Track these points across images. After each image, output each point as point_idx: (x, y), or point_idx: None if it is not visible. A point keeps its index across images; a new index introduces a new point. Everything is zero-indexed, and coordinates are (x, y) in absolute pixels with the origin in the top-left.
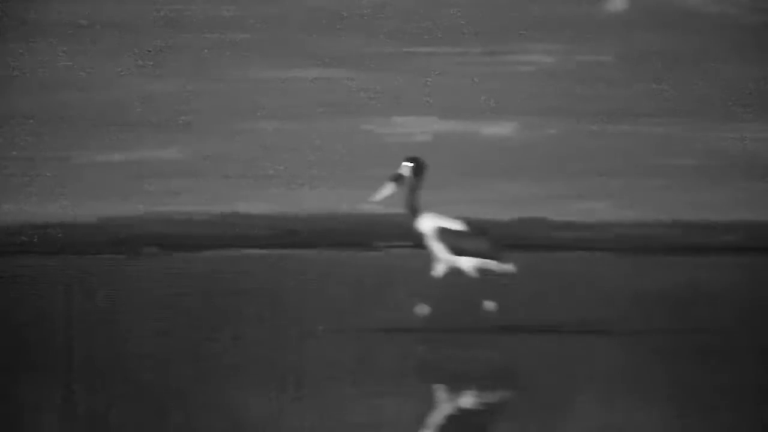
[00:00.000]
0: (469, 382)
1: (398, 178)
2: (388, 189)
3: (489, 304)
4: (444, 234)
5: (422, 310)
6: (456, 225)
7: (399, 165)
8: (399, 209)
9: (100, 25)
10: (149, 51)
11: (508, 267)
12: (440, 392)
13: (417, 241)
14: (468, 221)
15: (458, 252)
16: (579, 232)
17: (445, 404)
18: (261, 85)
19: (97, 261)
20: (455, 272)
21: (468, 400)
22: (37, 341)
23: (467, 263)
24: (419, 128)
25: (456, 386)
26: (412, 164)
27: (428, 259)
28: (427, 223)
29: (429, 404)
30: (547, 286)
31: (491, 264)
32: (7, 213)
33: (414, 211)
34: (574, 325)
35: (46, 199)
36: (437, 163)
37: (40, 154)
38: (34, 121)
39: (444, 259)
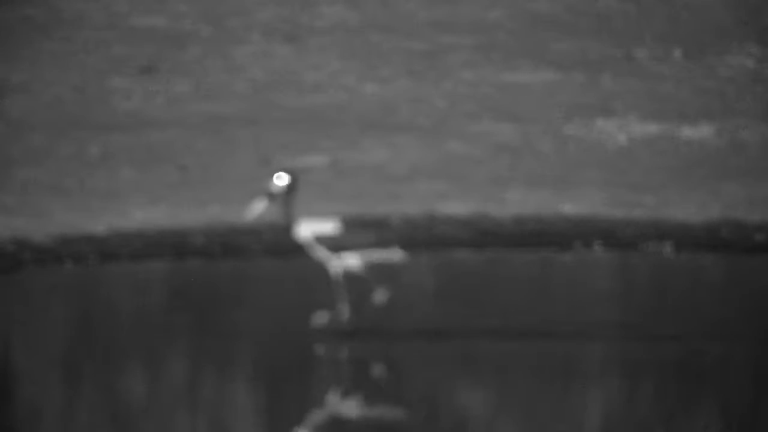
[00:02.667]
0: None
1: (272, 193)
2: (260, 206)
3: (379, 295)
4: (324, 236)
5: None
6: (333, 225)
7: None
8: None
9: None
10: None
11: (396, 256)
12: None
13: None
14: (348, 217)
15: (340, 250)
16: None
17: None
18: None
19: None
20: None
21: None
22: None
23: (353, 260)
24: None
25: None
26: (287, 177)
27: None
28: (305, 230)
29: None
30: None
31: (378, 255)
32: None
33: (289, 222)
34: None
35: None
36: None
37: None
38: None
39: (329, 260)
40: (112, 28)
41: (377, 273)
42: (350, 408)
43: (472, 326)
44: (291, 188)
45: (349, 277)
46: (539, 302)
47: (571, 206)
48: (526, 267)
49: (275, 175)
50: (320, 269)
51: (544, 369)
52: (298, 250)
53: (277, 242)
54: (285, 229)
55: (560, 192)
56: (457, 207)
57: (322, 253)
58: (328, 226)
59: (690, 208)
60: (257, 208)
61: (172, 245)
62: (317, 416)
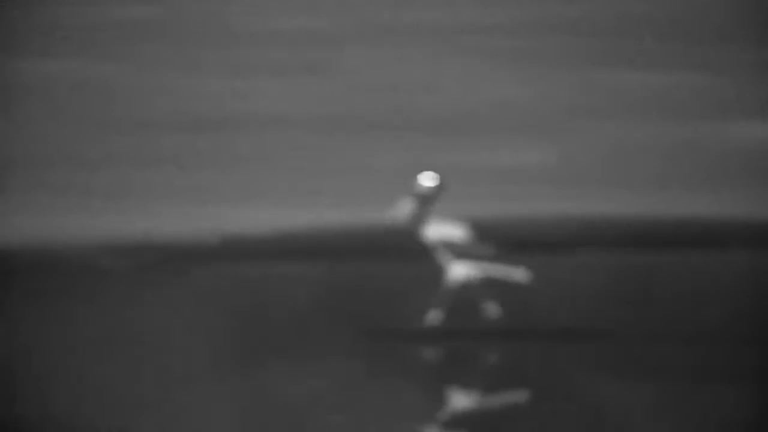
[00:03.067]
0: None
1: (419, 194)
2: (407, 205)
3: (491, 308)
4: (451, 242)
5: (434, 316)
6: (461, 231)
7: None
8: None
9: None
10: None
11: (518, 273)
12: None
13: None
14: (475, 225)
15: (465, 258)
16: None
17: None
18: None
19: None
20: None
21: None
22: None
23: (472, 269)
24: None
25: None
26: (435, 178)
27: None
28: (434, 232)
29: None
30: None
31: (499, 270)
32: None
33: (419, 222)
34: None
35: None
36: None
37: None
38: None
39: (454, 267)
40: (258, 31)
41: (493, 287)
42: (471, 401)
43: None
44: (438, 190)
45: (467, 285)
46: (698, 307)
47: (723, 207)
48: (685, 269)
49: (423, 176)
50: (440, 273)
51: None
52: (424, 252)
53: (405, 244)
54: (414, 232)
55: (715, 193)
56: (620, 208)
57: (446, 258)
58: (456, 233)
59: None
60: (403, 209)
61: (326, 246)
62: (442, 413)
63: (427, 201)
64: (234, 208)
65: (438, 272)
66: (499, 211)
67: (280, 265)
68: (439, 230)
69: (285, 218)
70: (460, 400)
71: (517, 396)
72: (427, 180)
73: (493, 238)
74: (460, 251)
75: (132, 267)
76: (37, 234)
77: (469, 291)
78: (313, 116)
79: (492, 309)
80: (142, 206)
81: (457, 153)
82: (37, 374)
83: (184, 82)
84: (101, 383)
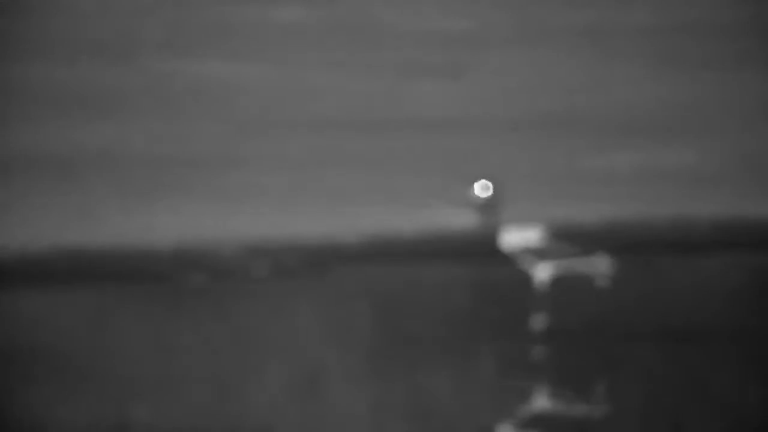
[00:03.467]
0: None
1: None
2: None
3: (537, 319)
4: (532, 245)
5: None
6: (538, 233)
7: None
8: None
9: None
10: None
11: (602, 267)
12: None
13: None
14: (552, 227)
15: (545, 258)
16: None
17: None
18: None
19: None
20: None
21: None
22: None
23: (554, 268)
24: None
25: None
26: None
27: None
28: (513, 238)
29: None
30: None
31: (582, 264)
32: None
33: (496, 228)
34: None
35: None
36: None
37: None
38: None
39: (539, 268)
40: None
41: (581, 281)
42: (553, 406)
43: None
44: (495, 198)
45: (554, 284)
46: None
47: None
48: None
49: (479, 185)
50: (525, 277)
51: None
52: (503, 258)
53: (478, 250)
54: (490, 238)
55: None
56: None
57: (527, 262)
58: (531, 236)
59: None
60: (463, 217)
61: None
62: (523, 412)
63: (488, 209)
64: (377, 209)
65: (524, 276)
66: (639, 213)
67: (421, 265)
68: (517, 236)
69: (426, 220)
70: (595, 397)
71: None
72: (481, 190)
73: (572, 238)
74: (541, 253)
75: (276, 269)
76: (182, 236)
77: (561, 291)
78: (460, 118)
79: (582, 304)
80: (283, 207)
81: (601, 154)
82: (179, 376)
83: (332, 83)
84: (243, 383)
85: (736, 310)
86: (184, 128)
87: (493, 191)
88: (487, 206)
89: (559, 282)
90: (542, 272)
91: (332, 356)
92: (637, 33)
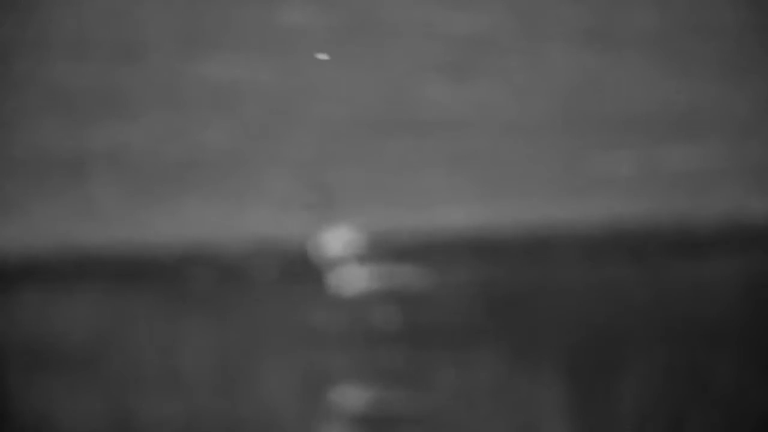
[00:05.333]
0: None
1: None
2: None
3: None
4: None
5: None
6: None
7: None
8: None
9: None
10: None
11: (416, 278)
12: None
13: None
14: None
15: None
16: None
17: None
18: None
19: None
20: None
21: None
22: None
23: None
24: None
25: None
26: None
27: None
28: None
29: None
30: None
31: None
32: None
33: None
34: None
35: None
36: None
37: None
38: None
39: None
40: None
41: (390, 294)
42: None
43: None
44: (327, 201)
45: (362, 294)
46: None
47: None
48: None
49: (314, 185)
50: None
51: None
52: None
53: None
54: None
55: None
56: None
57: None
58: (346, 241)
59: None
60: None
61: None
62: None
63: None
64: (379, 209)
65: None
66: (640, 213)
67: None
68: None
69: (429, 220)
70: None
71: None
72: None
73: (387, 247)
74: (355, 260)
75: (282, 269)
76: (188, 236)
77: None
78: (465, 118)
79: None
80: (289, 207)
81: (602, 153)
82: (184, 376)
83: (337, 83)
84: (248, 383)
85: (737, 311)
86: (190, 128)
87: (325, 192)
88: (319, 208)
89: (375, 289)
90: (356, 279)
91: (338, 357)
92: (640, 33)
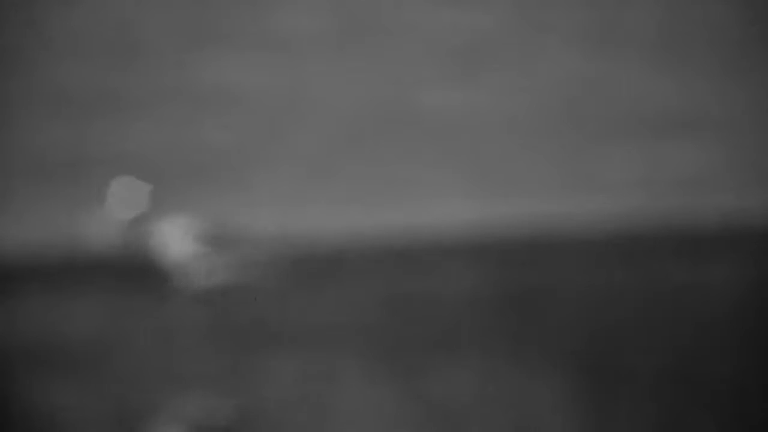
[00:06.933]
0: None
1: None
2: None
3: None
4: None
5: None
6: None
7: None
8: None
9: None
10: None
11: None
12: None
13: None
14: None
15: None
16: None
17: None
18: None
19: None
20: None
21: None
22: None
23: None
24: None
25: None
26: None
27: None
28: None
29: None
30: None
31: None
32: None
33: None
34: None
35: None
36: None
37: None
38: None
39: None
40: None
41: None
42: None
43: None
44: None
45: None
46: None
47: None
48: None
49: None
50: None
51: None
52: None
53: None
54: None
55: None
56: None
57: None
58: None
59: None
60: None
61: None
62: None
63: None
64: (382, 209)
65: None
66: (640, 213)
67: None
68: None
69: (435, 217)
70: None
71: None
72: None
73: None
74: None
75: (288, 267)
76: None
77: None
78: (466, 118)
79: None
80: (292, 207)
81: (602, 154)
82: (186, 374)
83: (339, 84)
84: (251, 381)
85: (738, 311)
86: (192, 131)
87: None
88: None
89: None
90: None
91: (343, 356)
92: (640, 33)
